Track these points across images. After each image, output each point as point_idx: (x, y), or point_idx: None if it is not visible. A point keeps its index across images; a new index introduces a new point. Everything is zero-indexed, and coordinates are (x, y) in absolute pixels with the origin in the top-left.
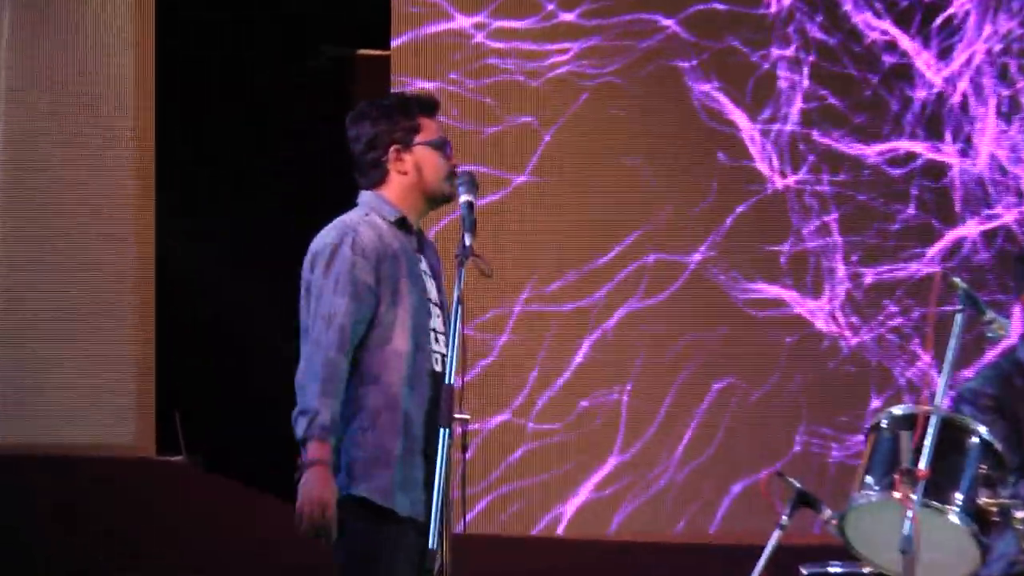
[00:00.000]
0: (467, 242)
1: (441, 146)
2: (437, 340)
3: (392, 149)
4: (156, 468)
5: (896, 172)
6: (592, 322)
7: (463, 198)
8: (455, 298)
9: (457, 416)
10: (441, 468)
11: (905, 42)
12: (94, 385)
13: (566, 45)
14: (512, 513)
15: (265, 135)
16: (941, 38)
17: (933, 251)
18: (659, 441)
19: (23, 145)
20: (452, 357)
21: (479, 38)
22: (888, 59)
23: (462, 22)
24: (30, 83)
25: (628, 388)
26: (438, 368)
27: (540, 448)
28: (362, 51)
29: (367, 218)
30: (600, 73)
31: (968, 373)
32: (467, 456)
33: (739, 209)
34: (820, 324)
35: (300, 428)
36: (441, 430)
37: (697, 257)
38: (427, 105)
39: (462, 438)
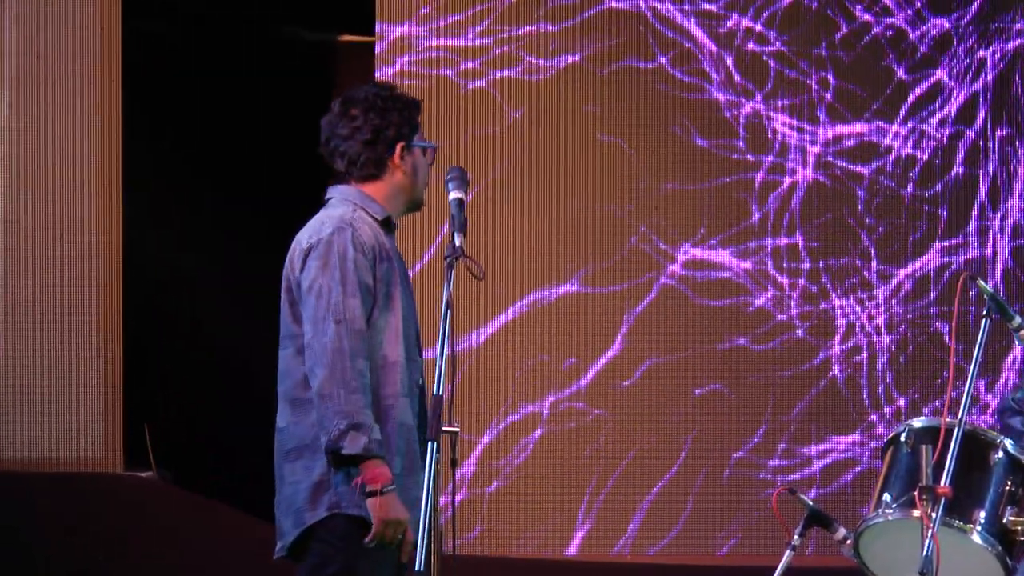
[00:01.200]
0: (457, 242)
1: (428, 151)
2: (420, 352)
3: (399, 147)
4: (124, 483)
5: (920, 163)
6: (601, 333)
7: (453, 195)
8: (444, 301)
9: (446, 429)
10: (428, 484)
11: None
12: (60, 398)
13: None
14: (514, 532)
15: (242, 127)
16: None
17: (956, 250)
18: (666, 458)
19: None
20: (441, 365)
21: (467, 29)
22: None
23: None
24: None
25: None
26: (421, 381)
27: (546, 464)
28: (345, 36)
29: (357, 214)
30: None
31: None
32: (456, 470)
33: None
34: (840, 327)
35: (358, 444)
36: (429, 443)
37: (683, 254)
38: (418, 107)
39: (451, 452)
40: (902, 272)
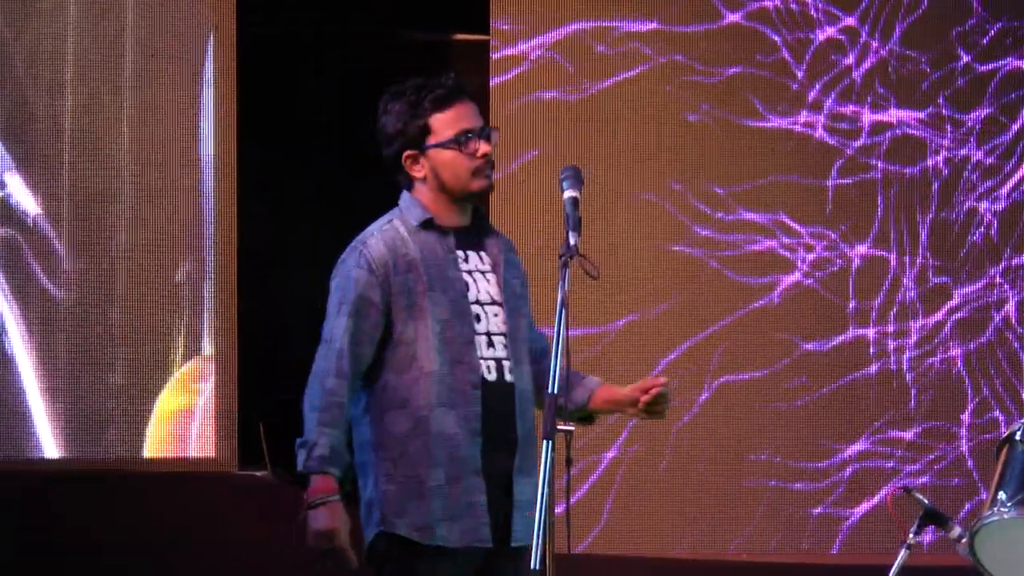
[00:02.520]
0: (571, 241)
1: (459, 142)
2: (492, 344)
3: (404, 156)
4: (239, 482)
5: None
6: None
7: (567, 194)
8: (559, 300)
9: (560, 428)
10: (544, 484)
11: None
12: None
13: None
14: (635, 531)
15: (354, 128)
16: None
17: None
18: (789, 453)
19: (95, 140)
20: (555, 365)
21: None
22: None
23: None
24: (98, 69)
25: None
26: (491, 376)
27: (667, 461)
28: (459, 35)
29: (388, 225)
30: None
31: None
32: (571, 470)
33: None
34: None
35: (300, 460)
36: (544, 442)
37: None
38: (441, 99)
39: (567, 451)
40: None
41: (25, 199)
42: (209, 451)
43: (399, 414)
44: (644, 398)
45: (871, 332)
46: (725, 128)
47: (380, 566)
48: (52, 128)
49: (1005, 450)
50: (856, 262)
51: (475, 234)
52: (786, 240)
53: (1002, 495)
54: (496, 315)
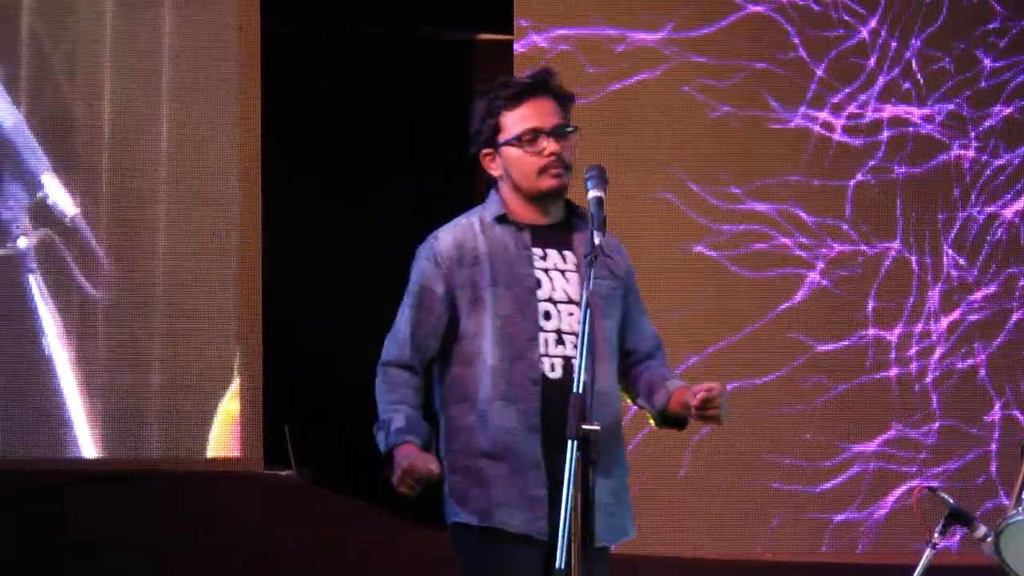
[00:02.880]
0: (596, 241)
1: (525, 140)
2: (561, 342)
3: (482, 154)
4: (264, 482)
5: None
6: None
7: (592, 194)
8: (583, 301)
9: (585, 427)
10: (569, 482)
11: None
12: (200, 397)
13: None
14: (670, 529)
15: (379, 125)
16: None
17: None
18: (814, 454)
19: (126, 147)
20: (581, 365)
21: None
22: None
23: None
24: (134, 73)
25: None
26: (554, 374)
27: (702, 460)
28: (483, 35)
29: (465, 219)
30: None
31: None
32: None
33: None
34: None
35: (381, 442)
36: (569, 441)
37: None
38: (512, 96)
39: (592, 449)
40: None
41: (63, 200)
42: (235, 451)
43: (463, 407)
44: (693, 402)
45: (892, 332)
46: (748, 126)
47: (458, 556)
48: (90, 131)
49: None
50: (879, 262)
51: (562, 232)
52: (804, 240)
53: None
54: (571, 314)
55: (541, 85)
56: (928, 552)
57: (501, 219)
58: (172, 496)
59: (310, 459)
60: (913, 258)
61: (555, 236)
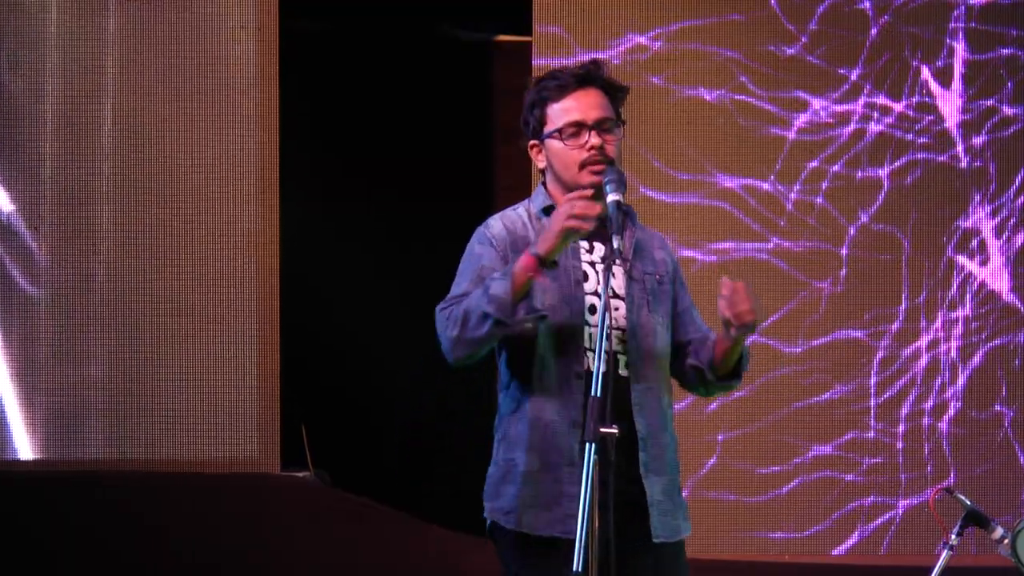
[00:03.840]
0: (615, 245)
1: (567, 133)
2: (608, 337)
3: (530, 145)
4: (281, 484)
5: None
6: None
7: (610, 198)
8: (601, 304)
9: (604, 430)
10: (587, 485)
11: None
12: (216, 398)
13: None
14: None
15: (399, 126)
16: None
17: None
18: (834, 454)
19: (139, 146)
20: (599, 367)
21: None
22: None
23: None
24: (141, 73)
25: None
26: (602, 368)
27: (728, 459)
28: (502, 37)
29: (513, 211)
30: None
31: None
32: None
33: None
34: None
35: (491, 304)
36: (587, 445)
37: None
38: (558, 88)
39: (609, 453)
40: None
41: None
42: (251, 451)
43: (507, 396)
44: (725, 311)
45: (919, 326)
46: (768, 123)
47: (496, 551)
48: (33, 127)
49: None
50: (907, 255)
51: (604, 226)
52: (830, 233)
53: None
54: (617, 308)
55: (587, 77)
56: (945, 553)
57: (548, 210)
58: (186, 496)
59: (329, 462)
60: (949, 248)
61: (602, 230)
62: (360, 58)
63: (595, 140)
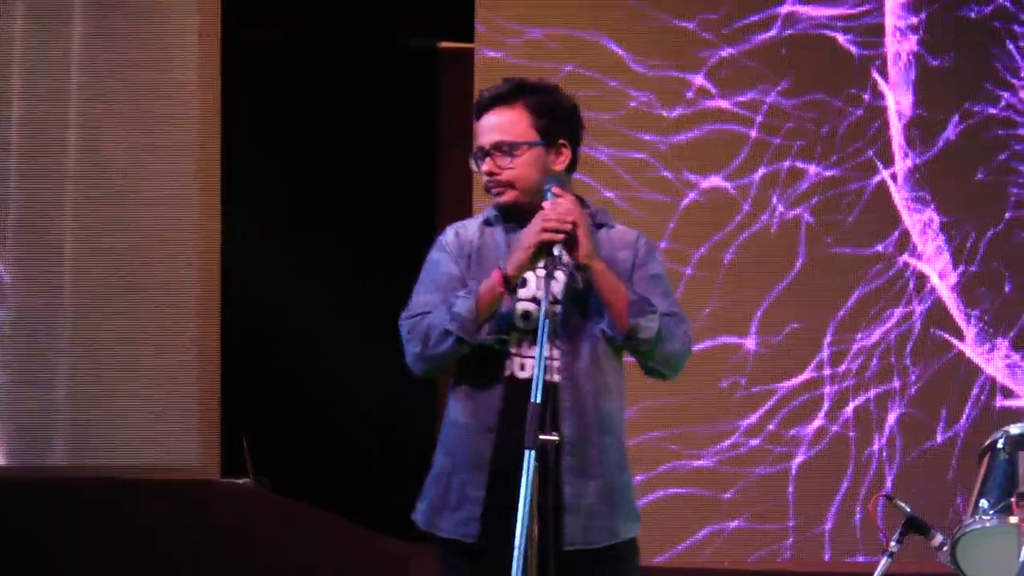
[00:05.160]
0: (555, 252)
1: (476, 158)
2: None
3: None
4: (220, 490)
5: None
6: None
7: (552, 193)
8: (542, 312)
9: (543, 437)
10: (526, 494)
11: None
12: (157, 405)
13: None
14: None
15: (341, 132)
16: None
17: None
18: (765, 458)
19: (86, 153)
20: (539, 374)
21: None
22: None
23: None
24: (92, 81)
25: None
26: (524, 373)
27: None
28: (445, 43)
29: (471, 219)
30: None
31: None
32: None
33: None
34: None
35: (453, 323)
36: (526, 452)
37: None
38: (476, 110)
39: (549, 460)
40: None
41: None
42: (192, 458)
43: (451, 398)
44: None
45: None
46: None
47: None
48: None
49: (987, 458)
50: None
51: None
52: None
53: (984, 503)
54: (556, 313)
55: (494, 97)
56: (885, 560)
57: (495, 219)
58: (126, 503)
59: (269, 468)
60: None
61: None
62: (307, 66)
63: (486, 166)
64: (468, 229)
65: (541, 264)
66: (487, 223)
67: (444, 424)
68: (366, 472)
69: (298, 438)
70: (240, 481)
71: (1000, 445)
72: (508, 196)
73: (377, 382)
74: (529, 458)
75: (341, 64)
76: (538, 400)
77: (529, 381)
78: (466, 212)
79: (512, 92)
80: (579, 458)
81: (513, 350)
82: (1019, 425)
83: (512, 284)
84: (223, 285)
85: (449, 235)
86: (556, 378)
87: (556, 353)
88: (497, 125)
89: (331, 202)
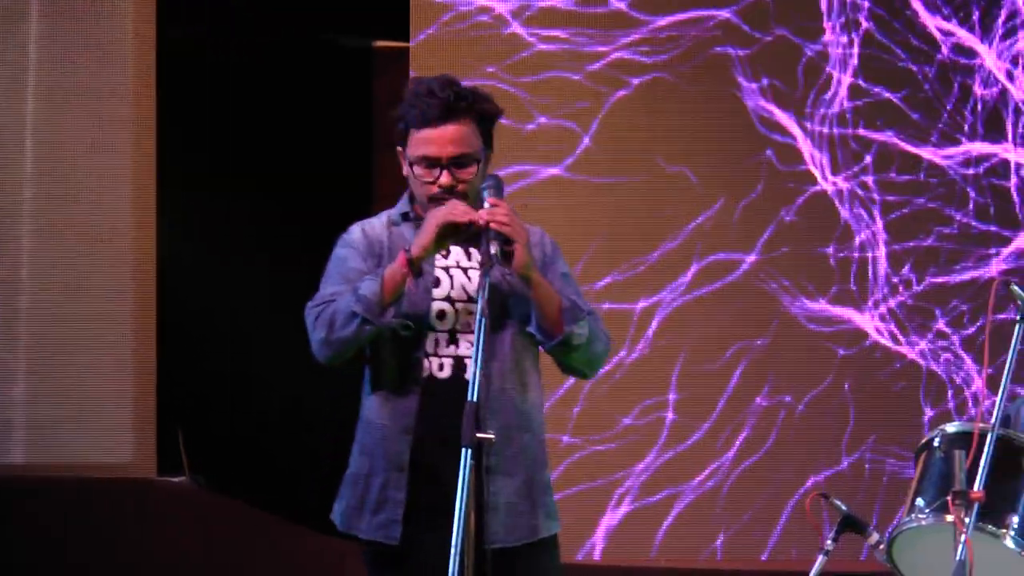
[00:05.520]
0: (492, 250)
1: (421, 166)
2: (454, 341)
3: (397, 150)
4: (156, 488)
5: (955, 173)
6: (633, 328)
7: (488, 203)
8: (478, 309)
9: (480, 436)
10: (463, 492)
11: (964, 35)
12: (92, 403)
13: (610, 34)
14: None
15: (277, 131)
16: (1004, 30)
17: (993, 258)
18: (703, 457)
19: (39, 153)
20: (476, 373)
21: (513, 27)
22: (947, 52)
23: (496, 7)
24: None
25: (671, 398)
26: (442, 374)
27: (575, 464)
28: (380, 43)
29: (376, 218)
30: (646, 64)
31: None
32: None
33: (788, 212)
34: (871, 334)
35: (359, 304)
36: (463, 449)
37: (744, 262)
38: (420, 117)
39: (485, 459)
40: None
41: None
42: (128, 456)
43: (363, 401)
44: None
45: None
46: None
47: None
48: None
49: (923, 457)
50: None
51: (468, 229)
52: None
53: (920, 502)
54: (470, 312)
55: (449, 109)
56: (821, 559)
57: (405, 216)
58: (61, 502)
59: (205, 466)
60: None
61: (461, 234)
62: (240, 66)
63: (444, 180)
64: (375, 228)
65: (474, 264)
66: (393, 223)
67: (360, 424)
68: (299, 468)
69: (234, 437)
70: (176, 479)
71: (936, 443)
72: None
73: (309, 379)
74: (466, 456)
75: (275, 64)
76: (474, 399)
77: (446, 381)
78: None
79: (469, 106)
80: (499, 456)
81: (430, 350)
82: (955, 424)
83: (417, 266)
84: (159, 284)
85: (356, 232)
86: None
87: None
88: (457, 138)
89: (267, 203)
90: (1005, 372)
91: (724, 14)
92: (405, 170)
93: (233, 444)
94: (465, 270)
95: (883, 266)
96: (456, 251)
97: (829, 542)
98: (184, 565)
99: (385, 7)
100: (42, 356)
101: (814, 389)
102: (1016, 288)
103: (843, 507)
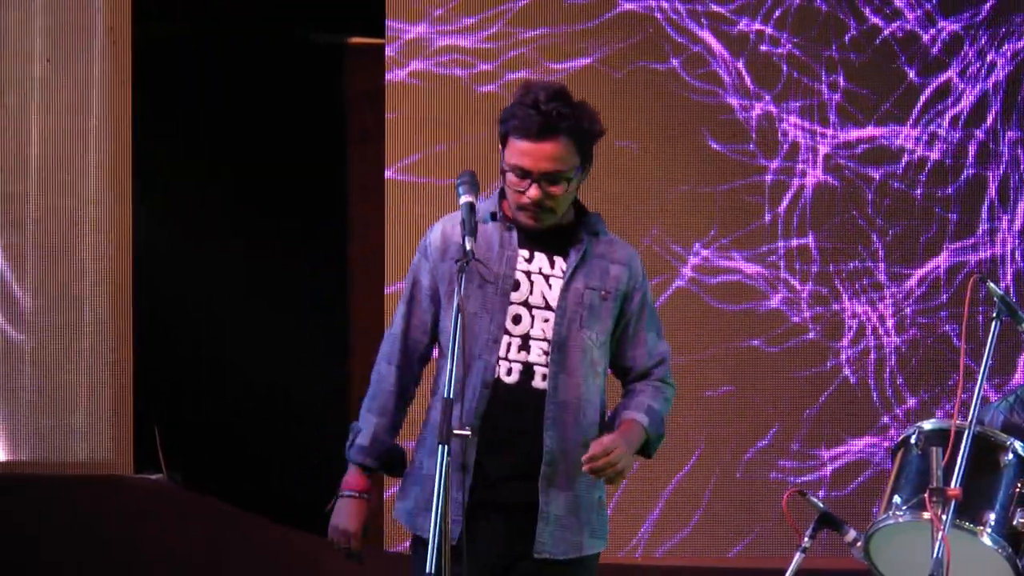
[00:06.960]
0: (468, 247)
1: (514, 174)
2: (526, 347)
3: (501, 147)
4: (133, 485)
5: (927, 163)
6: None
7: (463, 199)
8: (455, 305)
9: (457, 432)
10: (439, 487)
11: (932, 25)
12: (69, 400)
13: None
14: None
15: (252, 122)
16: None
17: (966, 251)
18: (678, 460)
19: (8, 144)
20: (452, 369)
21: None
22: (915, 43)
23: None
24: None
25: None
26: (510, 378)
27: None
28: (354, 39)
29: (457, 214)
30: (587, 48)
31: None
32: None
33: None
34: (850, 329)
35: (346, 445)
36: (439, 446)
37: (694, 256)
38: (520, 128)
39: (463, 455)
40: (913, 274)
41: None
42: (105, 454)
43: (433, 399)
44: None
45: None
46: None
47: None
48: None
49: (900, 454)
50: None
51: (557, 237)
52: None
53: (897, 499)
54: (546, 320)
55: (550, 127)
56: (798, 556)
57: (494, 216)
58: (39, 499)
59: (182, 464)
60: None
61: (548, 240)
62: (214, 61)
63: (533, 193)
64: (456, 228)
65: (557, 272)
66: (489, 217)
67: (426, 425)
68: (277, 465)
69: (208, 425)
70: (153, 477)
71: (913, 441)
72: (548, 222)
73: (292, 378)
74: (442, 453)
75: (249, 59)
76: (450, 396)
77: (513, 386)
78: (377, 206)
79: (569, 125)
80: (553, 468)
81: (502, 354)
82: (932, 421)
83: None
84: (135, 278)
85: (435, 234)
86: (542, 385)
87: (545, 360)
88: (552, 155)
89: (242, 196)
90: (982, 368)
91: None
92: (503, 166)
93: (208, 435)
94: (547, 277)
95: (854, 260)
96: (540, 257)
97: (806, 539)
98: (162, 562)
99: (359, 3)
100: (21, 354)
101: (791, 387)
102: (992, 286)
103: (820, 504)
